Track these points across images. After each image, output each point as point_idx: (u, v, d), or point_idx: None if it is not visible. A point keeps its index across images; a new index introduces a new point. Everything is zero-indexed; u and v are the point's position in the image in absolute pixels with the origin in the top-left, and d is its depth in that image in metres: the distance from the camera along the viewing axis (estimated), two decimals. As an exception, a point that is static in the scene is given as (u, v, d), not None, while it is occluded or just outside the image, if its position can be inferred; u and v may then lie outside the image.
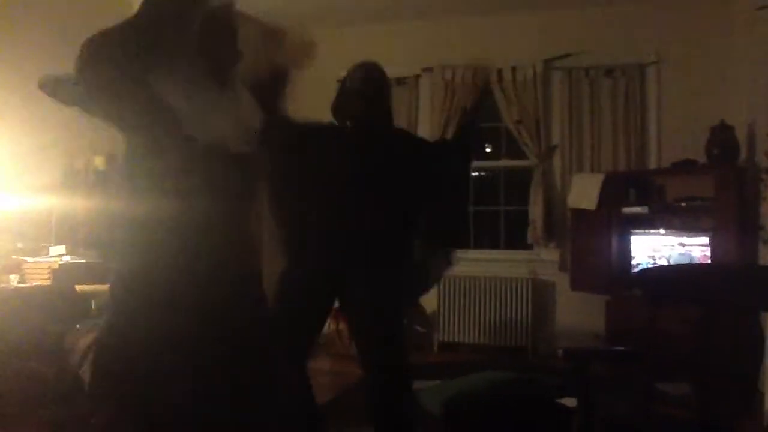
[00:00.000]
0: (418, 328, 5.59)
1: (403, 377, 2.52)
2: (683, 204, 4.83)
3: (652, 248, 4.83)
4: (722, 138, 4.66)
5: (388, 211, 2.53)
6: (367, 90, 2.60)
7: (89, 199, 4.08)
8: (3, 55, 4.12)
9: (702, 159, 4.77)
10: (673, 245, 4.77)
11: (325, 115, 2.69)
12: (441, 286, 5.60)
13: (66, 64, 1.68)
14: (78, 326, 3.54)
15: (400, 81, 5.76)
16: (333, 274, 2.55)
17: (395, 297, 2.55)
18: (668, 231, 4.86)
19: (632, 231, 4.93)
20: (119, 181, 1.65)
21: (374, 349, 2.51)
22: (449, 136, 5.69)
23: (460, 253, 2.74)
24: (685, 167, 4.87)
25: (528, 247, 5.62)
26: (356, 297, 2.53)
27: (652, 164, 5.28)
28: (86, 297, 3.73)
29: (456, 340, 5.61)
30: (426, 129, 5.75)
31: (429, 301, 5.69)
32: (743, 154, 4.67)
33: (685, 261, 4.65)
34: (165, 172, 1.57)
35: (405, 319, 2.77)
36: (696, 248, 4.67)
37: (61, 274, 3.77)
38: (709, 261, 4.54)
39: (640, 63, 5.33)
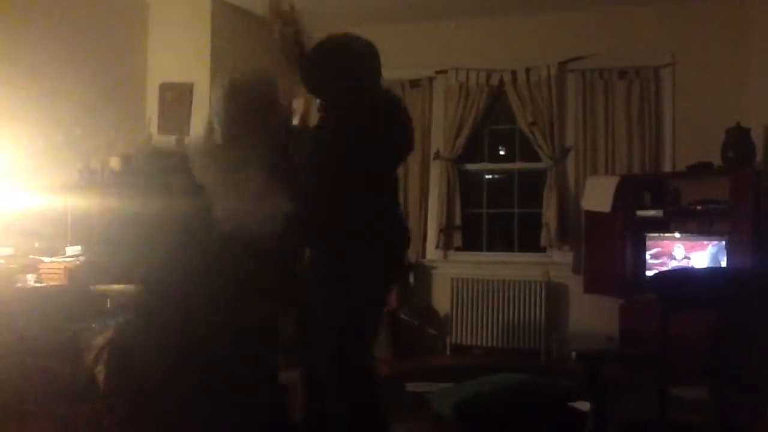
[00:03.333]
0: (431, 330, 5.59)
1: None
2: (698, 207, 4.79)
3: (667, 252, 4.80)
4: (738, 140, 4.62)
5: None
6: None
7: (105, 198, 4.11)
8: (20, 57, 4.17)
9: (717, 162, 4.73)
10: (688, 249, 4.74)
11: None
12: (454, 289, 5.60)
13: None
14: (93, 325, 3.57)
15: (414, 83, 5.77)
16: None
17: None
18: (683, 234, 4.82)
19: (647, 234, 4.89)
20: (133, 181, 1.72)
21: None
22: (463, 139, 5.64)
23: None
24: (700, 170, 4.83)
25: (541, 249, 5.60)
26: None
27: (667, 167, 5.25)
28: (102, 297, 3.76)
29: (468, 342, 5.59)
30: (439, 131, 5.75)
31: (442, 303, 5.68)
32: (759, 156, 4.63)
33: (699, 265, 4.61)
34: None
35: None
36: (711, 252, 4.63)
37: (77, 274, 3.80)
38: (725, 265, 4.50)
39: (654, 65, 5.30)
